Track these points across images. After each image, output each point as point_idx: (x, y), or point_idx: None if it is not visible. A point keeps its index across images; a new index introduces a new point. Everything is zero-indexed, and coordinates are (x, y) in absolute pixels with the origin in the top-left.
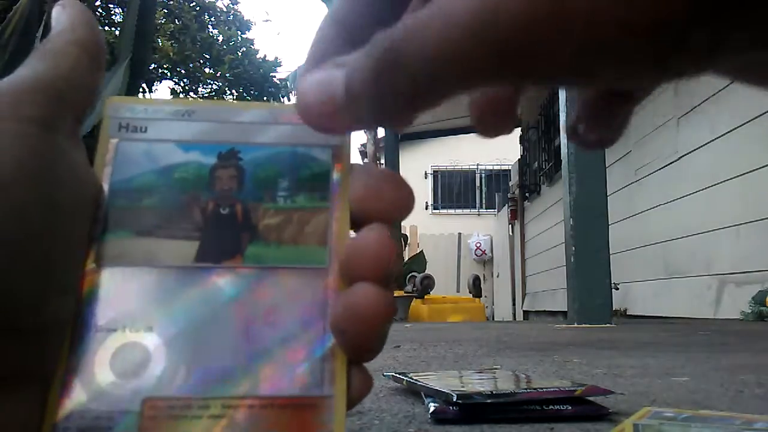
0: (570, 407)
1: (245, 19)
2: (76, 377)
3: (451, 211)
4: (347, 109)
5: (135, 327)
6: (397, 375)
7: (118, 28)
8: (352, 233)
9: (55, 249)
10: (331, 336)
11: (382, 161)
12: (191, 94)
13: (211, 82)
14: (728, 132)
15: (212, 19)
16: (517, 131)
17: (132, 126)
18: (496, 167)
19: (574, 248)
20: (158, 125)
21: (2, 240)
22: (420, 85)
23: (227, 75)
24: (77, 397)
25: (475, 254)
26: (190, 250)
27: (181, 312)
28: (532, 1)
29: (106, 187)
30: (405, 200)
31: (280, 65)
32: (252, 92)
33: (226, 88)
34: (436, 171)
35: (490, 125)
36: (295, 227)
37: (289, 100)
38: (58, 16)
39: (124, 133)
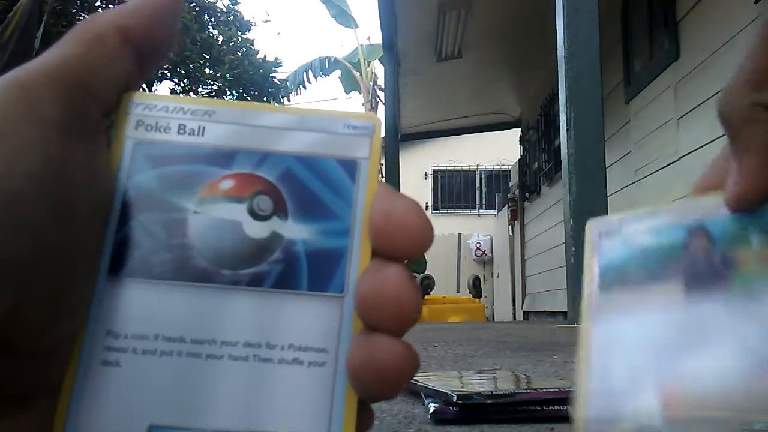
0: (570, 407)
1: (245, 19)
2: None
3: (452, 211)
4: None
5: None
6: None
7: None
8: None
9: (67, 267)
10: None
11: (382, 161)
12: (191, 94)
13: (211, 83)
14: None
15: (212, 19)
16: (517, 131)
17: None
18: (496, 167)
19: (574, 249)
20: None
21: (12, 258)
22: None
23: (227, 75)
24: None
25: (475, 254)
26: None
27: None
28: None
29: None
30: (427, 238)
31: (280, 65)
32: (252, 92)
33: (226, 89)
34: (436, 171)
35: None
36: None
37: (289, 100)
38: None
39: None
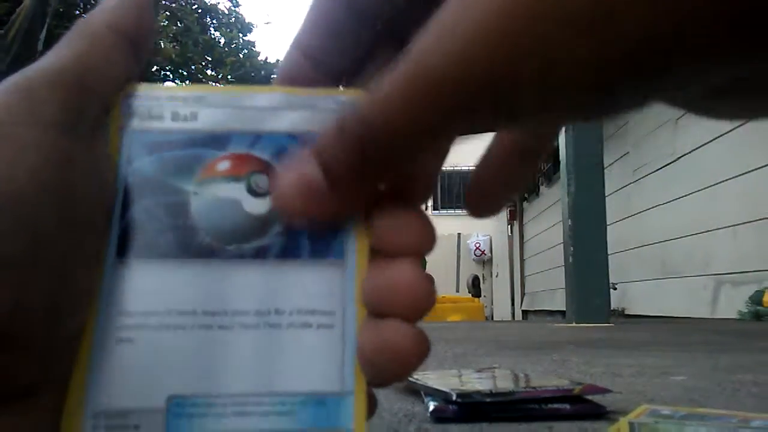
0: (568, 406)
1: (247, 21)
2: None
3: (451, 211)
4: (333, 193)
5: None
6: None
7: None
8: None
9: (70, 264)
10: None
11: None
12: None
13: (214, 85)
14: (726, 133)
15: (214, 21)
16: None
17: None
18: None
19: (572, 248)
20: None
21: (14, 258)
22: (396, 153)
23: (229, 77)
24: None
25: (475, 254)
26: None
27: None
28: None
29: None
30: (431, 237)
31: None
32: None
33: None
34: None
35: (479, 206)
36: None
37: None
38: None
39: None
